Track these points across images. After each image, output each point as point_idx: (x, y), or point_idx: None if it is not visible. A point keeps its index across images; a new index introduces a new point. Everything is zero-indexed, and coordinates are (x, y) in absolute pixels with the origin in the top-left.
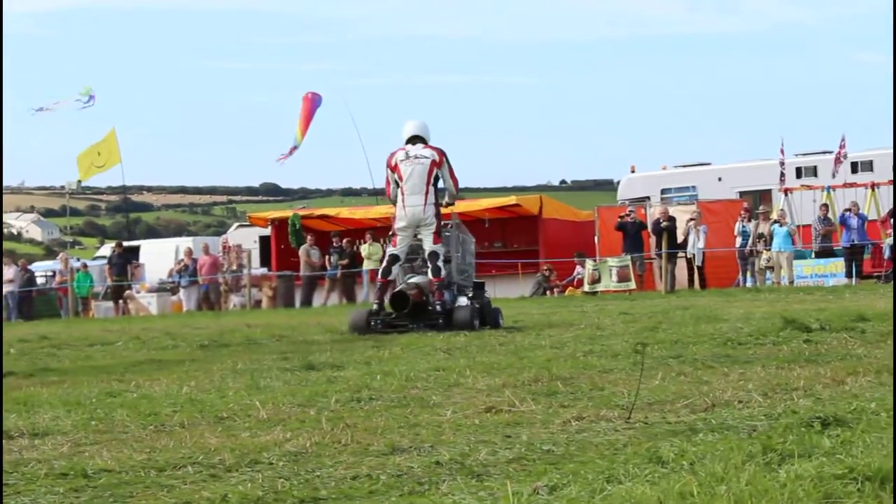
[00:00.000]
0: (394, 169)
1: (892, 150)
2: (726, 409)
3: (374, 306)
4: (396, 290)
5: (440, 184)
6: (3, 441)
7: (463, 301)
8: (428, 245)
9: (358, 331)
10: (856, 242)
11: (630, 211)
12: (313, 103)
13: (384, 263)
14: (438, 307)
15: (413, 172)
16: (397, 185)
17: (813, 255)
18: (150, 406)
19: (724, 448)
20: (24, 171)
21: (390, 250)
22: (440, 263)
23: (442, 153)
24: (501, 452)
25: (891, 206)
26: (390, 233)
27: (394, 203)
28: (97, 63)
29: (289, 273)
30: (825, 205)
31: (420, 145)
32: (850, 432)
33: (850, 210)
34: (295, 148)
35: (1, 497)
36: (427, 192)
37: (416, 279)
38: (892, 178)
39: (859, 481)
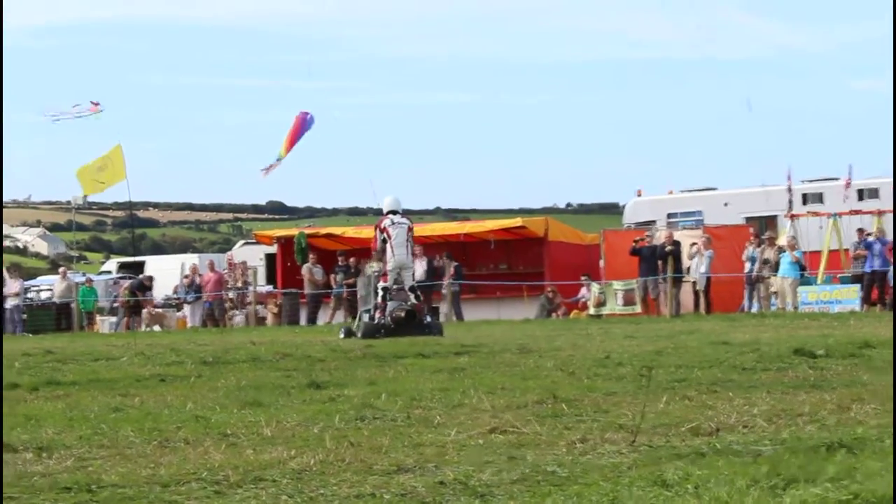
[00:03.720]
0: (383, 230)
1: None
2: (731, 433)
3: (384, 320)
4: (407, 309)
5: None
6: (8, 455)
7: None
8: (408, 281)
9: (370, 336)
10: (876, 269)
11: (647, 236)
12: (304, 123)
13: (380, 293)
14: (428, 320)
15: (399, 233)
16: (384, 241)
17: (828, 280)
18: (154, 422)
19: (728, 472)
20: (30, 186)
21: (382, 285)
22: (418, 293)
23: (412, 223)
24: (505, 473)
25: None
26: (381, 272)
27: (379, 255)
28: (104, 78)
29: (294, 291)
30: (861, 229)
31: (398, 215)
32: (855, 458)
33: (869, 234)
34: (278, 161)
35: (1, 497)
36: (407, 247)
37: (404, 304)
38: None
39: None
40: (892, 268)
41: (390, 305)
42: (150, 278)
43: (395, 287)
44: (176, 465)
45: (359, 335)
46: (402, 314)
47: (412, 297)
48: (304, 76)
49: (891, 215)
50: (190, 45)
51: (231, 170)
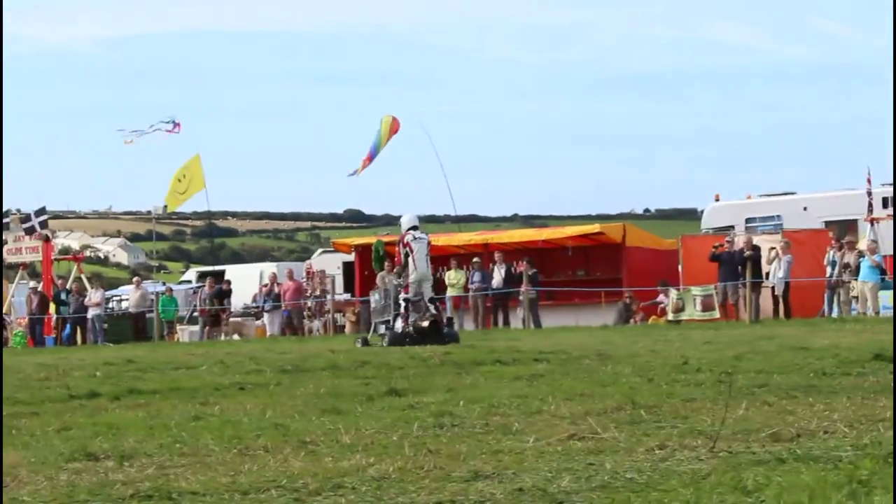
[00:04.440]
0: (406, 245)
1: None
2: (811, 439)
3: (408, 328)
4: (431, 319)
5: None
6: (90, 463)
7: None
8: (428, 293)
9: (396, 345)
10: None
11: (727, 241)
12: (396, 125)
13: (403, 304)
14: (446, 330)
15: (420, 248)
16: (407, 255)
17: None
18: (234, 430)
19: (809, 478)
20: (111, 196)
21: (405, 296)
22: (436, 304)
23: (429, 239)
24: (584, 480)
25: None
26: (403, 283)
27: (402, 268)
28: (185, 88)
29: None
30: None
31: (418, 231)
32: None
33: None
34: (372, 156)
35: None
36: (427, 260)
37: (425, 315)
38: None
39: None
40: None
41: (412, 316)
42: (228, 282)
43: (414, 298)
44: (255, 472)
45: (384, 344)
46: (426, 324)
47: (431, 307)
48: (380, 84)
49: None
50: (271, 53)
51: (309, 178)
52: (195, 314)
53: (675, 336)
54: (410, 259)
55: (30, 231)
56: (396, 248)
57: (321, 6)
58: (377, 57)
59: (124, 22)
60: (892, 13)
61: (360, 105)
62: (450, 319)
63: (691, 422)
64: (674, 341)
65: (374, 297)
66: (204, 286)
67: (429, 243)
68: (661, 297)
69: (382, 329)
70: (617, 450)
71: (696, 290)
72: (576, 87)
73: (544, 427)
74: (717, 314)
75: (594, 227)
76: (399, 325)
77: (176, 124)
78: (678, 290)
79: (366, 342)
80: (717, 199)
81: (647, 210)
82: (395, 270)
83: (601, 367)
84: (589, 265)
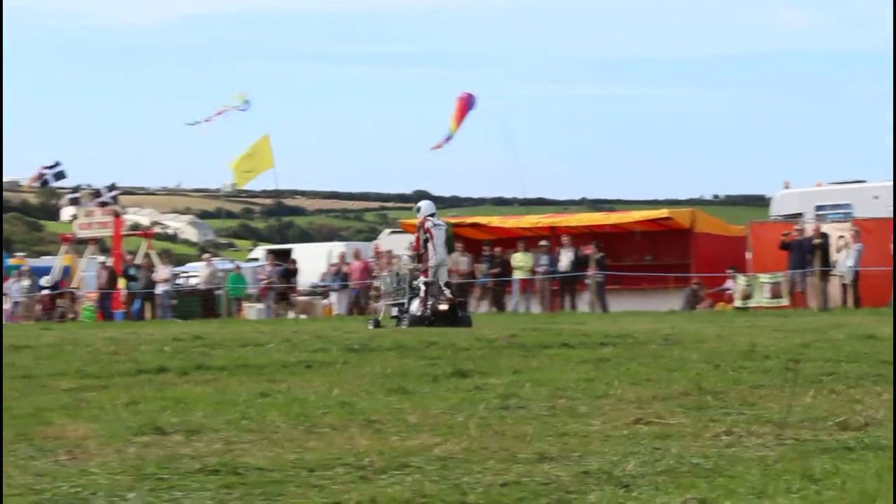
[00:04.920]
0: (427, 230)
1: None
2: (879, 428)
3: (426, 311)
4: (449, 303)
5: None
6: (157, 437)
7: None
8: (444, 278)
9: (416, 326)
10: None
11: (797, 229)
12: (467, 101)
13: (423, 287)
14: (461, 314)
15: (439, 234)
16: (427, 241)
17: None
18: (301, 407)
19: (877, 467)
20: (180, 173)
21: (424, 280)
22: (452, 288)
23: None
24: (650, 464)
25: None
26: (422, 267)
27: (419, 254)
28: (255, 66)
29: None
30: None
31: (436, 217)
32: None
33: None
34: (449, 138)
35: (1, 497)
36: (445, 246)
37: (443, 298)
38: None
39: None
40: None
41: (430, 299)
42: (294, 262)
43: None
44: (322, 450)
45: (403, 325)
46: (445, 307)
47: (447, 291)
48: (453, 65)
49: None
50: (340, 33)
51: (378, 159)
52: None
53: (743, 323)
54: (430, 244)
55: (101, 205)
56: (416, 233)
57: None
58: (448, 36)
59: (194, 2)
60: (892, 13)
61: (430, 85)
62: (462, 303)
63: (758, 408)
64: (741, 328)
65: (386, 281)
66: (267, 264)
67: (447, 230)
68: (728, 284)
69: (395, 311)
70: (683, 435)
71: (764, 278)
72: (642, 72)
73: (610, 411)
74: (785, 301)
75: (662, 212)
76: (416, 307)
77: (246, 102)
78: (746, 276)
79: (377, 324)
80: (787, 186)
81: (715, 196)
82: (412, 255)
83: (668, 353)
84: (657, 250)
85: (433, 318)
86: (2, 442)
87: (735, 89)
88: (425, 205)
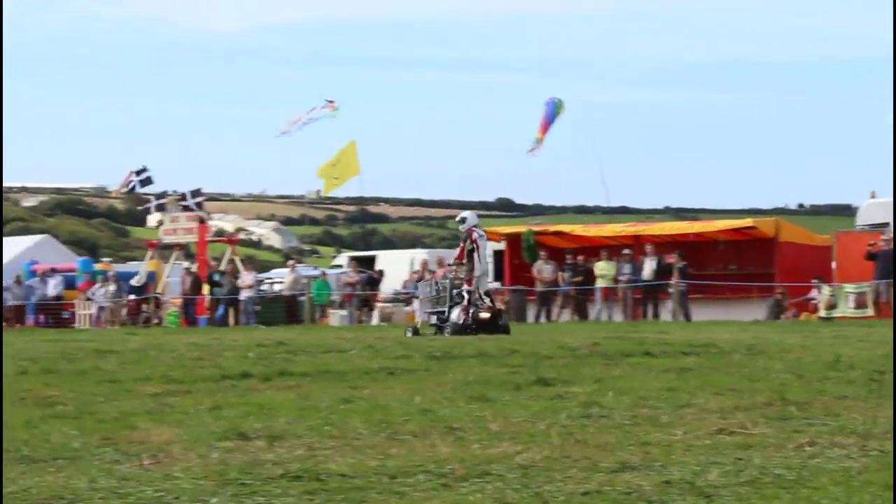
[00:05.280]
0: (473, 241)
1: None
2: None
3: (468, 320)
4: (492, 312)
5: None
6: (240, 442)
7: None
8: (484, 287)
9: (458, 334)
10: None
11: (884, 239)
12: (549, 109)
13: (466, 296)
14: (501, 322)
15: (483, 245)
16: (472, 251)
17: None
18: (382, 414)
19: None
20: (266, 180)
21: (467, 288)
22: (491, 297)
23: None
24: (733, 474)
25: None
26: (462, 276)
27: (461, 262)
28: (340, 74)
29: (522, 288)
30: None
31: (480, 229)
32: None
33: None
34: (538, 144)
35: (1, 496)
36: (486, 257)
37: (484, 307)
38: None
39: None
40: None
41: (472, 308)
42: (381, 272)
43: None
44: (403, 457)
45: (446, 333)
46: (487, 315)
47: (487, 300)
48: (536, 72)
49: None
50: (424, 40)
51: (461, 166)
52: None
53: (827, 333)
54: (476, 255)
55: (187, 211)
56: (462, 244)
57: None
58: (532, 44)
59: (281, 9)
60: (892, 14)
61: (515, 93)
62: (501, 312)
63: (842, 419)
64: (825, 338)
65: (426, 289)
66: (350, 270)
67: (487, 240)
68: (813, 294)
69: (434, 319)
70: (766, 445)
71: (849, 287)
72: (727, 77)
73: (693, 420)
74: (870, 312)
75: (746, 222)
76: (458, 315)
77: (330, 102)
78: (831, 286)
79: (416, 331)
80: (873, 196)
81: (800, 205)
82: (453, 263)
83: (751, 363)
84: (740, 259)
85: (475, 327)
86: (2, 442)
87: (823, 96)
88: (471, 216)
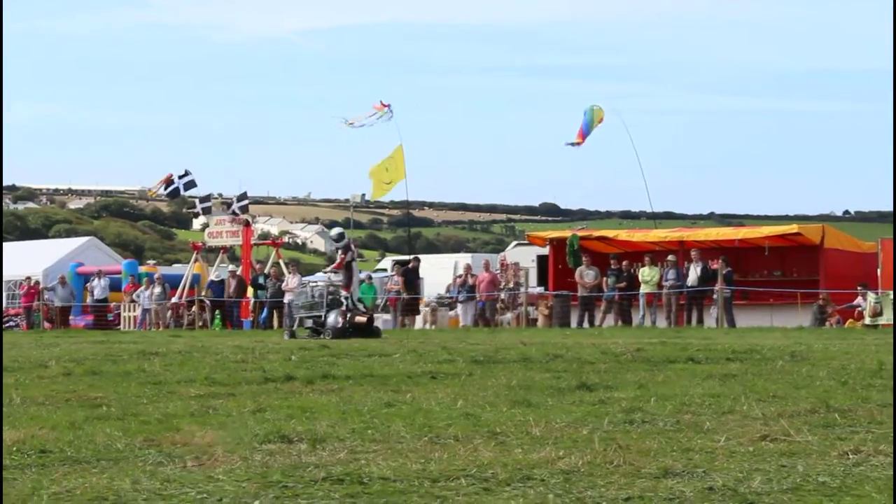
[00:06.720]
0: (352, 252)
1: None
2: None
3: (346, 324)
4: (368, 316)
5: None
6: (283, 445)
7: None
8: (357, 294)
9: (339, 337)
10: None
11: None
12: (585, 116)
13: (345, 302)
14: (374, 326)
15: (356, 257)
16: (351, 262)
17: None
18: (425, 418)
19: None
20: (310, 183)
21: (345, 294)
22: (364, 304)
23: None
24: (776, 482)
25: None
26: (339, 283)
27: (337, 271)
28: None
29: (565, 293)
30: None
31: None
32: None
33: None
34: (585, 136)
35: (0, 495)
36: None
37: (361, 312)
38: None
39: None
40: None
41: (349, 313)
42: (416, 258)
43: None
44: (445, 461)
45: (326, 337)
46: (364, 320)
47: (361, 306)
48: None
49: None
50: (468, 45)
51: (506, 171)
52: (387, 304)
53: (872, 340)
54: (354, 265)
55: (232, 214)
56: (343, 255)
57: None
58: (578, 51)
59: (329, 13)
60: (891, 14)
61: (560, 98)
62: (371, 318)
63: (886, 427)
64: (870, 345)
65: (302, 295)
66: (394, 274)
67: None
68: (858, 301)
69: (309, 322)
70: (809, 453)
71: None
72: (772, 85)
73: (736, 427)
74: None
75: (792, 228)
76: (336, 319)
77: (384, 104)
78: (876, 293)
79: (293, 335)
80: None
81: (846, 212)
82: (329, 270)
83: (795, 369)
84: (785, 266)
85: (352, 330)
86: (1, 443)
87: (868, 103)
88: (335, 232)
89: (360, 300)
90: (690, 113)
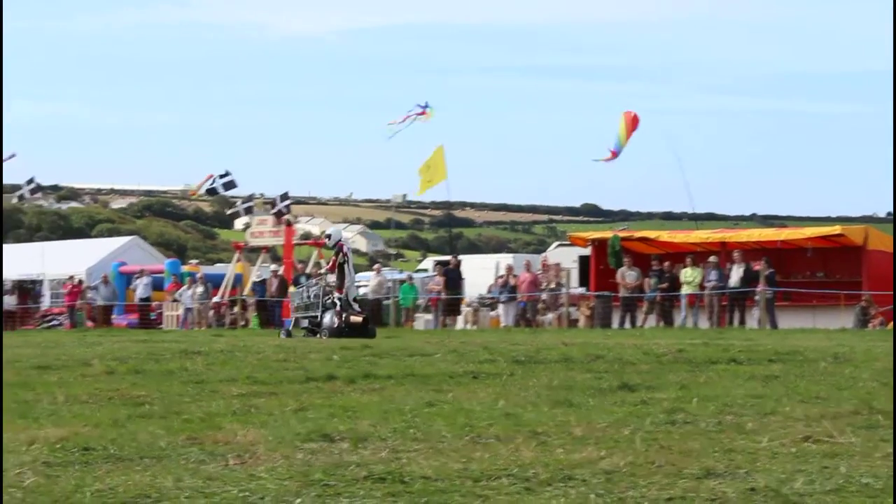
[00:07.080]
0: (344, 254)
1: None
2: None
3: (342, 324)
4: (363, 316)
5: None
6: (325, 444)
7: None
8: (352, 294)
9: (335, 337)
10: None
11: None
12: (635, 120)
13: (338, 303)
14: (369, 327)
15: (351, 257)
16: (343, 263)
17: None
18: (466, 417)
19: None
20: (352, 184)
21: (338, 296)
22: (359, 304)
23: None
24: (818, 483)
25: None
26: (333, 285)
27: (331, 272)
28: (427, 79)
29: (607, 294)
30: None
31: (349, 243)
32: None
33: None
34: (616, 153)
35: (0, 494)
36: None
37: (356, 312)
38: None
39: None
40: None
41: (344, 313)
42: (456, 258)
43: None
44: (487, 460)
45: (322, 336)
46: (359, 320)
47: (356, 306)
48: (619, 79)
49: None
50: (510, 46)
51: (547, 172)
52: (429, 304)
53: None
54: (346, 266)
55: (274, 214)
56: (334, 257)
57: (561, 1)
58: (619, 51)
59: (370, 13)
60: (891, 15)
61: (600, 99)
62: (367, 318)
63: None
64: None
65: (298, 296)
66: (436, 274)
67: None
68: None
69: (305, 323)
70: (852, 454)
71: None
72: (816, 86)
73: (778, 428)
74: None
75: (835, 229)
76: (332, 319)
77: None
78: None
79: (289, 334)
80: None
81: (889, 213)
82: (323, 272)
83: (838, 371)
84: (828, 267)
85: (348, 330)
86: (2, 443)
87: None
88: (335, 232)
89: (355, 300)
90: (731, 114)
